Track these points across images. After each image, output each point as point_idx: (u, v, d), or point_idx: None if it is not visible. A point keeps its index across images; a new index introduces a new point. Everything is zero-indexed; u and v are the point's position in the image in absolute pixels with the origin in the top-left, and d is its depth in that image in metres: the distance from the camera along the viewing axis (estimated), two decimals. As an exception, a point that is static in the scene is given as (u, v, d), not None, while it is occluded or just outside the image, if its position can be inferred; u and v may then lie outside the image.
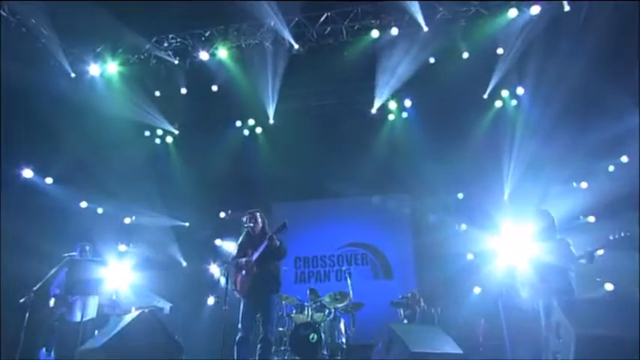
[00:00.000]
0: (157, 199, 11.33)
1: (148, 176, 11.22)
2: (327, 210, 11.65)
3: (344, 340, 6.84)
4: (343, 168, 11.10)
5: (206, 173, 11.27)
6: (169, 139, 11.73)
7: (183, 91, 10.53)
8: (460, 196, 11.04)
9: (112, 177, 10.84)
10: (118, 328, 3.32)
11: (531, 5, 8.18)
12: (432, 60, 9.83)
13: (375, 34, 8.79)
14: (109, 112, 10.42)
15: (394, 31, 8.67)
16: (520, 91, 10.14)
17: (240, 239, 5.29)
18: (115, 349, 3.15)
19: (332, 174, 11.22)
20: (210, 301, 11.20)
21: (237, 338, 4.58)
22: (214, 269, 11.56)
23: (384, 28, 8.84)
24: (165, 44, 9.68)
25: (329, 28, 9.19)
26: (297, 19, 9.11)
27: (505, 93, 10.31)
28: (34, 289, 5.23)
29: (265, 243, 4.93)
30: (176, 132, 11.58)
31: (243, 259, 4.96)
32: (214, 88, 10.52)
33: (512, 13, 8.25)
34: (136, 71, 10.03)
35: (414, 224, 11.18)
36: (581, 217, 10.13)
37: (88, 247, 6.23)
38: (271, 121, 11.17)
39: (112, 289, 8.85)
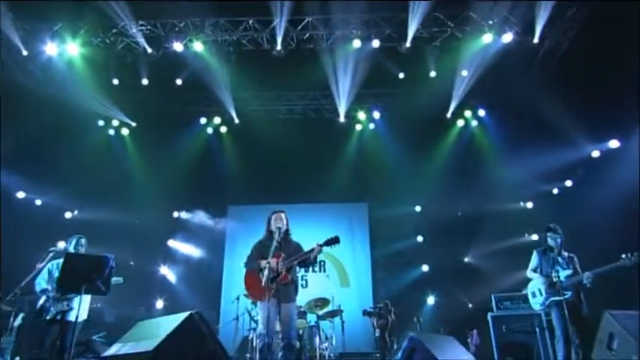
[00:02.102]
0: (106, 194, 10.61)
1: (97, 168, 10.52)
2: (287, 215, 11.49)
3: (325, 346, 6.78)
4: (305, 174, 11.14)
5: (162, 169, 10.77)
6: (125, 131, 11.04)
7: (145, 82, 10.00)
8: (418, 208, 11.43)
9: (56, 167, 10.06)
10: (167, 331, 2.99)
11: (504, 33, 8.66)
12: (401, 75, 10.11)
13: (356, 43, 8.88)
14: (62, 96, 9.70)
15: (375, 43, 8.81)
16: (481, 112, 10.72)
17: (262, 241, 5.02)
18: (166, 352, 2.85)
19: (293, 179, 11.21)
20: (159, 304, 10.66)
21: (260, 344, 4.35)
22: (165, 271, 11.02)
23: (364, 40, 8.95)
24: (134, 30, 9.13)
25: (308, 34, 9.17)
26: (277, 21, 8.99)
27: (468, 113, 10.83)
28: (21, 285, 4.71)
29: (306, 254, 4.71)
30: (133, 124, 10.93)
31: (269, 264, 4.65)
32: (178, 81, 10.13)
33: (487, 38, 8.69)
34: (99, 55, 9.34)
35: (372, 233, 11.36)
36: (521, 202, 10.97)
37: (83, 241, 5.64)
38: (236, 121, 10.96)
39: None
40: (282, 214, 4.99)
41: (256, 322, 7.24)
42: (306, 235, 11.53)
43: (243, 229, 11.62)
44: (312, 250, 4.71)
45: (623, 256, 4.47)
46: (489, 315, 6.45)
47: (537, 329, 5.68)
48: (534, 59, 9.56)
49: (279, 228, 4.83)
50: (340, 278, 11.05)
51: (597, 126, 8.98)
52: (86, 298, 5.21)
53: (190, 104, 10.90)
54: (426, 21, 8.83)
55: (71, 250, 5.61)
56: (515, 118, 10.32)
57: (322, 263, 11.16)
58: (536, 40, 8.60)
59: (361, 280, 10.98)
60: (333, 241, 4.73)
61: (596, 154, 9.34)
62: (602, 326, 3.93)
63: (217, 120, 11.12)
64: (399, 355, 4.18)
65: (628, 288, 5.01)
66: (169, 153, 10.77)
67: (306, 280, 11.05)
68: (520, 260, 10.45)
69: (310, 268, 11.17)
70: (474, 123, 10.91)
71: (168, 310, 10.61)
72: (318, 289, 9.56)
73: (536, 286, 5.11)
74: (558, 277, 4.77)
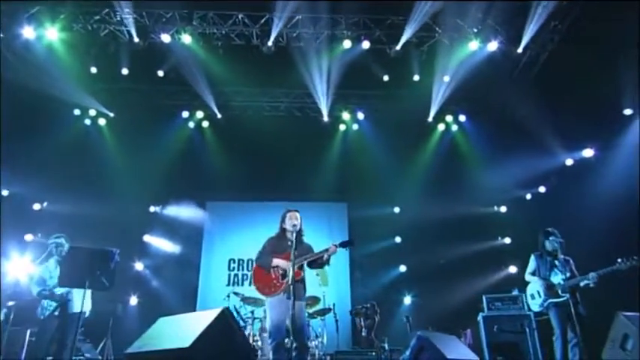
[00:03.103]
0: (79, 186, 10.19)
1: (71, 159, 10.14)
2: (265, 213, 11.19)
3: (315, 344, 6.78)
4: (286, 172, 11.08)
5: (140, 162, 10.43)
6: (102, 122, 10.67)
7: (125, 71, 9.73)
8: (397, 210, 11.60)
9: (26, 156, 9.60)
10: (202, 327, 2.90)
11: (489, 42, 8.91)
12: (385, 78, 10.21)
13: (347, 44, 8.91)
14: (36, 82, 9.27)
15: (366, 44, 8.87)
16: (462, 118, 10.99)
17: (275, 237, 5.00)
18: (201, 348, 2.77)
19: (274, 177, 11.14)
20: (133, 301, 10.36)
21: (273, 344, 4.29)
22: (139, 266, 10.71)
23: (354, 40, 9.00)
24: (118, 18, 8.84)
25: (297, 32, 9.13)
26: (267, 16, 8.91)
27: (449, 118, 11.08)
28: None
29: (320, 254, 4.70)
30: (111, 114, 10.58)
31: (284, 261, 4.66)
32: (160, 73, 9.90)
33: (473, 45, 8.91)
34: (80, 42, 8.99)
35: (351, 233, 11.41)
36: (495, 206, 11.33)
37: (63, 239, 5.54)
38: (219, 116, 10.82)
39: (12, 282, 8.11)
40: (297, 214, 5.00)
41: (245, 321, 7.16)
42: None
43: (222, 226, 11.49)
44: (326, 250, 4.70)
45: (619, 260, 4.67)
46: (480, 315, 6.64)
47: (527, 329, 5.92)
48: (515, 68, 9.86)
49: (295, 226, 4.79)
50: (320, 277, 11.04)
51: (572, 136, 9.36)
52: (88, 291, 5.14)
53: (172, 97, 10.65)
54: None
55: (52, 248, 5.50)
56: (494, 124, 10.67)
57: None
58: (519, 50, 8.87)
59: (340, 279, 11.02)
60: (349, 243, 4.75)
61: (569, 162, 9.72)
62: (615, 327, 4.14)
63: (200, 114, 10.91)
64: (407, 353, 4.25)
65: (617, 289, 5.24)
66: (148, 146, 10.44)
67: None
68: (493, 263, 10.92)
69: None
70: (454, 128, 11.17)
71: (142, 307, 10.37)
72: (308, 287, 9.55)
73: (535, 288, 5.31)
74: (565, 279, 4.98)
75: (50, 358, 4.95)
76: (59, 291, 5.19)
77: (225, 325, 3.08)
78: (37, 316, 5.31)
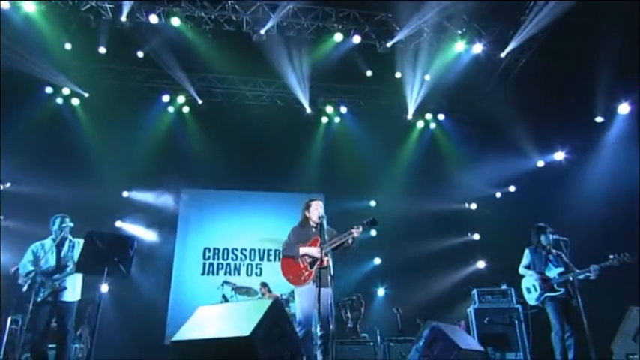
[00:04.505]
0: (48, 167, 9.70)
1: (40, 139, 9.64)
2: (242, 202, 11.32)
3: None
4: (265, 162, 11.01)
5: (114, 146, 10.08)
6: (76, 101, 10.18)
7: (103, 50, 9.34)
8: (373, 203, 11.79)
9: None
10: (259, 316, 2.86)
11: (474, 44, 9.18)
12: (369, 73, 10.32)
13: (338, 37, 8.93)
14: (6, 56, 8.74)
15: (356, 39, 8.92)
16: (441, 117, 11.29)
17: (299, 227, 5.00)
18: (259, 337, 2.73)
19: (253, 166, 11.04)
20: (104, 288, 9.99)
21: (302, 332, 4.29)
22: (111, 253, 10.33)
23: (345, 34, 9.03)
24: (100, -6, 8.47)
25: (286, 22, 9.07)
26: (258, 3, 8.80)
27: (428, 116, 11.35)
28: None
29: (344, 237, 4.72)
30: (86, 94, 10.12)
31: (311, 249, 4.69)
32: (140, 54, 9.58)
33: (459, 47, 9.16)
34: (58, 16, 8.53)
35: (328, 225, 11.46)
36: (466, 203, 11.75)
37: (68, 219, 5.30)
38: (199, 102, 10.59)
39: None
40: (321, 202, 5.03)
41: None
42: (262, 223, 11.42)
43: (197, 214, 11.28)
44: (350, 233, 4.75)
45: (611, 256, 4.91)
46: (472, 307, 6.93)
47: (516, 322, 6.25)
48: (494, 71, 10.22)
49: (322, 217, 4.82)
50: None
51: (544, 139, 9.83)
52: (79, 277, 5.02)
53: (152, 80, 10.32)
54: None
55: (56, 229, 5.30)
56: (471, 124, 11.04)
57: (277, 251, 11.11)
58: (503, 55, 9.20)
59: (315, 270, 11.10)
60: (373, 223, 4.81)
61: (540, 164, 10.20)
62: (628, 320, 4.44)
63: (181, 99, 10.63)
64: (421, 343, 4.40)
65: (615, 283, 5.55)
66: (124, 129, 10.04)
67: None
68: (463, 257, 11.33)
69: (265, 257, 11.30)
70: (433, 126, 11.46)
71: (113, 295, 10.05)
72: (271, 277, 9.53)
73: (530, 282, 5.55)
74: (560, 273, 5.26)
75: (53, 345, 4.79)
76: (56, 277, 4.99)
77: (279, 314, 3.10)
78: (23, 302, 5.09)
